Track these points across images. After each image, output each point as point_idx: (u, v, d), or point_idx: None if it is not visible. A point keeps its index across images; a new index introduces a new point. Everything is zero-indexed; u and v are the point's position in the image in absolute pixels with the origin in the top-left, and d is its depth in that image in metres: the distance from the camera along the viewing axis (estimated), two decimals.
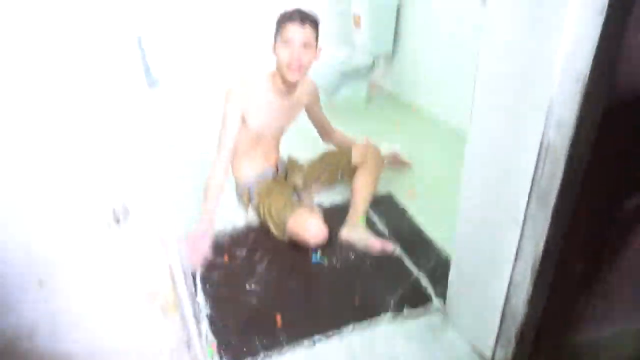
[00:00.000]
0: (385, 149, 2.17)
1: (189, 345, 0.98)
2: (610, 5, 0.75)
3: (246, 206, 1.98)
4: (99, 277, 0.82)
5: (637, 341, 1.22)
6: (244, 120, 1.79)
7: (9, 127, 0.65)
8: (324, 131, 2.13)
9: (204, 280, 1.63)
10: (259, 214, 1.90)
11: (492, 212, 1.15)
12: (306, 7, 1.77)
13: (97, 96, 0.67)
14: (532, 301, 1.10)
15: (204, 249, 1.68)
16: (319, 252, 1.72)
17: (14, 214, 0.71)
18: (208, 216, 1.72)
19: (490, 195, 1.15)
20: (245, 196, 1.96)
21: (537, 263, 1.06)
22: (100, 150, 0.71)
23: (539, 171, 0.98)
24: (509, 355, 1.20)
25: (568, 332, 1.11)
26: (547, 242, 1.02)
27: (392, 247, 1.74)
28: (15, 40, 0.60)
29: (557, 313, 1.09)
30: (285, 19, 1.70)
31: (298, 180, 1.97)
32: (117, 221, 0.75)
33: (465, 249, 1.32)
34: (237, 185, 1.99)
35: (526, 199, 1.03)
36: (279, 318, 1.47)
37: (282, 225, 1.76)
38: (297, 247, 1.75)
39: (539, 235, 1.03)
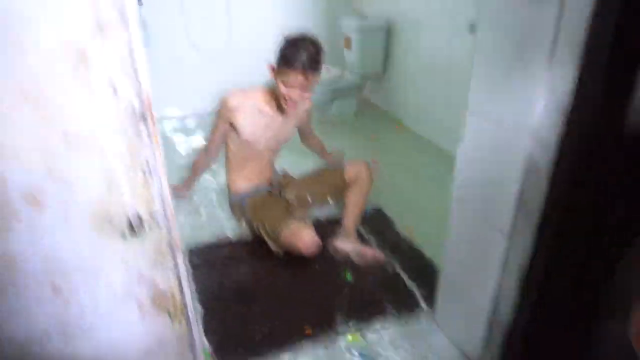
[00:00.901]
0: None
1: (192, 349, 1.01)
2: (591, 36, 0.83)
3: (239, 219, 2.02)
4: (112, 284, 0.85)
5: (624, 349, 1.27)
6: (235, 130, 1.84)
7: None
8: (305, 137, 2.17)
9: (198, 287, 1.69)
10: (251, 227, 1.94)
11: (480, 224, 1.22)
12: (307, 30, 1.73)
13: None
14: (519, 309, 1.17)
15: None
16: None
17: (34, 222, 0.74)
18: (190, 182, 2.08)
19: (478, 208, 1.22)
20: (238, 209, 2.00)
21: (524, 273, 1.13)
22: (117, 164, 0.75)
23: (525, 187, 1.06)
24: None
25: (554, 340, 1.17)
26: (533, 254, 1.09)
27: (383, 256, 1.81)
28: None
29: (543, 321, 1.15)
30: (290, 63, 1.64)
31: (292, 195, 2.01)
32: (132, 232, 0.79)
33: (453, 260, 1.38)
34: (231, 197, 2.03)
35: (513, 212, 1.10)
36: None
37: (276, 238, 1.81)
38: (287, 256, 1.81)
39: (525, 248, 1.10)
